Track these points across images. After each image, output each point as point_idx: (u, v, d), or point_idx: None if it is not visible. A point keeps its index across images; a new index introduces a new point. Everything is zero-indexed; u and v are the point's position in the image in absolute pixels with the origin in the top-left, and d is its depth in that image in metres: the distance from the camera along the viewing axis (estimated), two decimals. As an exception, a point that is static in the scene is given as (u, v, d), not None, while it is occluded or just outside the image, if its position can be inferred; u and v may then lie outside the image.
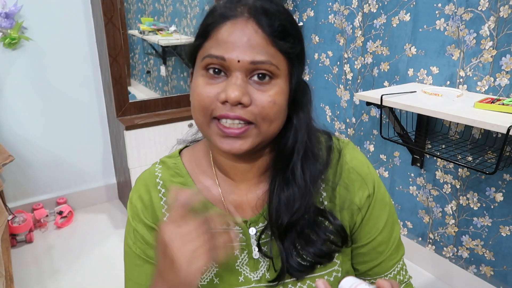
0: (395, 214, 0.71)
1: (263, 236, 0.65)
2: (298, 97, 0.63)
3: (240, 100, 0.54)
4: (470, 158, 1.66)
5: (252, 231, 0.66)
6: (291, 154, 0.63)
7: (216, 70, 0.56)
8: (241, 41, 0.54)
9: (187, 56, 0.63)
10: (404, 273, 0.72)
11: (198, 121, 0.60)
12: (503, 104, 1.34)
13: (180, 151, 0.73)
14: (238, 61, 0.54)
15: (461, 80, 1.65)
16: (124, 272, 0.73)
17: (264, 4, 0.56)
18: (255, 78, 0.56)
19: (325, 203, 0.65)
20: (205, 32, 0.57)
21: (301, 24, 2.41)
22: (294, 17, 2.35)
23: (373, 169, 0.69)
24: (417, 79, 1.83)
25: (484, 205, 1.66)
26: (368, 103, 1.71)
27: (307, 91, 0.64)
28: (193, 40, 0.61)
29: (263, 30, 0.55)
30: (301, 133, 0.63)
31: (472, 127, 1.61)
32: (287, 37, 0.57)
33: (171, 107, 2.42)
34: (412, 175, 1.95)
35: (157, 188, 0.68)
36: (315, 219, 0.63)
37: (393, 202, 2.08)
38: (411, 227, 2.02)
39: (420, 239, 1.99)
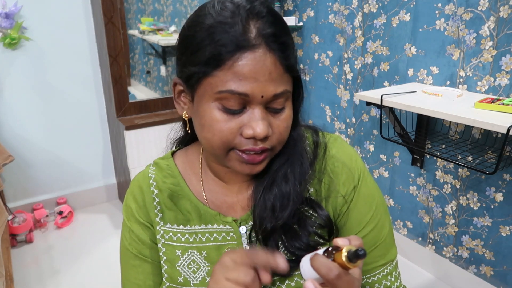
0: (385, 216, 0.69)
1: (253, 234, 0.65)
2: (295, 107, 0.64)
3: (266, 135, 0.55)
4: (470, 158, 1.66)
5: (243, 229, 0.66)
6: (279, 157, 0.63)
7: (235, 104, 0.54)
8: (264, 76, 0.53)
9: (184, 78, 0.58)
10: (393, 279, 0.68)
11: (215, 152, 0.58)
12: (503, 104, 1.34)
13: (173, 153, 0.74)
14: (262, 96, 0.54)
15: (461, 80, 1.65)
16: (121, 274, 0.73)
17: (274, 28, 0.54)
18: (273, 106, 0.56)
19: (312, 196, 0.66)
20: (215, 60, 0.53)
21: (301, 24, 2.41)
22: (295, 17, 2.36)
23: (361, 163, 0.68)
24: (417, 79, 1.83)
25: (484, 205, 1.66)
26: (368, 103, 1.71)
27: (301, 96, 0.64)
28: (193, 65, 0.55)
29: (281, 62, 0.54)
30: (290, 139, 0.63)
31: (472, 127, 1.61)
32: (295, 60, 0.57)
33: (171, 107, 2.42)
34: (412, 175, 1.95)
35: (150, 189, 0.69)
36: (301, 211, 0.64)
37: (392, 203, 2.08)
38: (411, 227, 2.02)
39: (420, 239, 1.99)
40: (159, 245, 0.68)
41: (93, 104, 2.48)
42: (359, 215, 0.66)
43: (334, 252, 0.47)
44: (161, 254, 0.68)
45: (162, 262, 0.69)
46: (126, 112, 2.30)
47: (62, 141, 2.44)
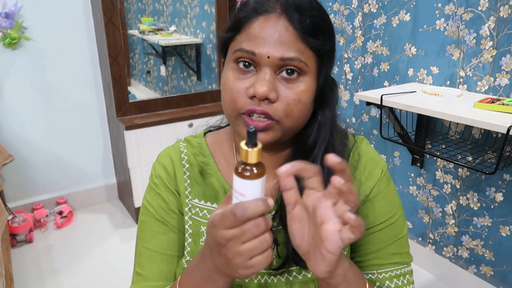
0: (402, 218, 0.71)
1: (274, 224, 0.65)
2: (325, 94, 0.64)
3: (267, 96, 0.56)
4: (470, 158, 1.66)
5: None
6: (313, 148, 0.64)
7: (246, 64, 0.58)
8: (272, 37, 0.56)
9: (219, 47, 0.65)
10: (405, 281, 0.69)
11: (227, 113, 0.61)
12: (503, 104, 1.34)
13: (205, 133, 0.75)
14: (268, 57, 0.56)
15: (461, 80, 1.65)
16: (137, 245, 0.71)
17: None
18: (284, 74, 0.57)
19: None
20: (237, 25, 0.59)
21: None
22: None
23: (384, 163, 0.71)
24: (417, 79, 1.83)
25: (484, 205, 1.66)
26: (368, 103, 1.71)
27: (334, 87, 0.66)
28: (224, 32, 0.63)
29: (294, 27, 0.56)
30: (325, 129, 0.64)
31: (472, 127, 1.61)
32: (317, 34, 0.58)
33: (171, 107, 2.42)
34: (412, 175, 1.95)
35: (181, 162, 0.70)
36: None
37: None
38: (411, 227, 2.02)
39: (420, 239, 1.99)
40: (186, 218, 0.69)
41: (93, 104, 2.48)
42: (379, 209, 0.68)
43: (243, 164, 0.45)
44: (187, 226, 0.69)
45: (186, 235, 0.69)
46: (126, 112, 2.30)
47: (62, 141, 2.44)
